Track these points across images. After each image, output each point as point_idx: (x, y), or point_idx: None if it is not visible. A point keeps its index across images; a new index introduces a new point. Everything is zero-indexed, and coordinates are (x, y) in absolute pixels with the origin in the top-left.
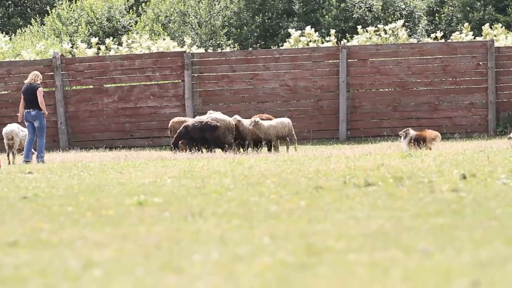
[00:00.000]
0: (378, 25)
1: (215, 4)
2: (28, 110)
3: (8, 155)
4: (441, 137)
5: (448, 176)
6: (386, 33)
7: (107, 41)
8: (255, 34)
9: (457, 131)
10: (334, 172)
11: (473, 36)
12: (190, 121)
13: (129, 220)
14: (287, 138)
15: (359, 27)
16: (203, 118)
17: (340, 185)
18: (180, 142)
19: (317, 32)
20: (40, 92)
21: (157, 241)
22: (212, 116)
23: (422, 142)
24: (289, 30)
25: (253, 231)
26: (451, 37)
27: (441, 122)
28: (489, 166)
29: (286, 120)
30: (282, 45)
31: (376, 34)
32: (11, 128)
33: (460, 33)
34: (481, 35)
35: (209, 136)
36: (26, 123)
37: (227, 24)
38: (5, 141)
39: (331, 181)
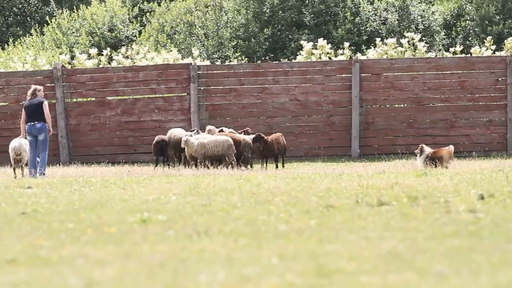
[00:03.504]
0: (394, 38)
1: (222, 15)
2: (33, 123)
3: (14, 170)
4: (454, 154)
5: (465, 196)
6: (402, 46)
7: (101, 52)
8: (264, 46)
9: (475, 149)
10: (346, 191)
11: (493, 51)
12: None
13: (132, 238)
14: (226, 158)
15: (376, 39)
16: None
17: (352, 204)
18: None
19: (329, 45)
20: (46, 106)
21: (161, 260)
22: (171, 130)
23: (438, 161)
24: (302, 42)
25: (261, 251)
26: (471, 51)
27: (458, 140)
28: (508, 186)
29: (221, 139)
30: (292, 58)
31: (393, 48)
32: (19, 143)
33: (480, 47)
34: (500, 50)
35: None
36: (28, 138)
37: (234, 36)
38: (12, 155)
39: (342, 200)
